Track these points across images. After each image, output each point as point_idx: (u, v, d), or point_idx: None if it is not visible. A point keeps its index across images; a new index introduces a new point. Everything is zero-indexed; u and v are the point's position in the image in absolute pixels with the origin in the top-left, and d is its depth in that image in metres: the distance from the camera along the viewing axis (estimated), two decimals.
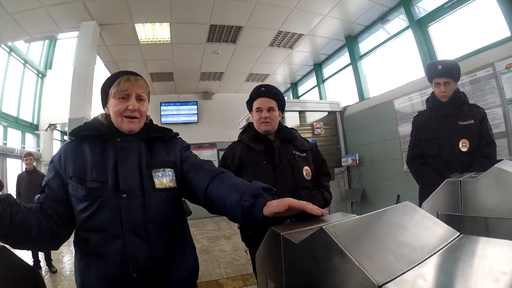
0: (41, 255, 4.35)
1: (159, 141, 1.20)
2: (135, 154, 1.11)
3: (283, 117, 5.11)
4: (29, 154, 4.59)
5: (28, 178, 4.48)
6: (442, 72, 2.09)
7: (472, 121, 2.06)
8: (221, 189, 1.02)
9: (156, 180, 1.09)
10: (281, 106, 1.92)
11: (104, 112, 1.20)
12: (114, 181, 1.04)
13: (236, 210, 0.93)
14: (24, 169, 4.63)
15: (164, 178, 1.11)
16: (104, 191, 1.03)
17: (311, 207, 0.76)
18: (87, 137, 1.12)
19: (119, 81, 1.12)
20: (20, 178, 4.56)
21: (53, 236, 0.99)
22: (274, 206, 0.80)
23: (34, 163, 4.68)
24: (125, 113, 1.11)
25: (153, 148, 1.16)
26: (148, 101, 1.22)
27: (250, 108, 1.95)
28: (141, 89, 1.15)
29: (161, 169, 1.12)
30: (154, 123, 1.29)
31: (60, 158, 1.09)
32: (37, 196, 1.07)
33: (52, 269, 4.18)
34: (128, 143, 1.12)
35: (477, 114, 2.09)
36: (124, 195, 1.03)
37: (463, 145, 2.04)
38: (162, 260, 1.07)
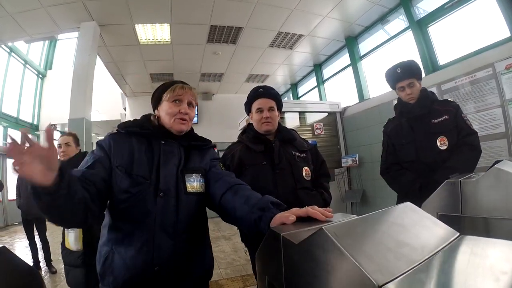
0: (40, 256, 4.34)
1: (196, 149, 1.30)
2: (176, 157, 1.21)
3: (283, 118, 5.14)
4: None
5: None
6: (403, 74, 1.99)
7: (446, 117, 1.92)
8: (234, 200, 1.09)
9: (188, 184, 1.18)
10: (280, 107, 1.93)
11: (155, 114, 1.31)
12: (155, 179, 1.13)
13: (244, 221, 1.00)
14: None
15: (195, 183, 1.20)
16: (146, 187, 1.11)
17: (313, 211, 0.76)
18: (135, 133, 1.21)
19: (174, 88, 1.25)
20: (20, 179, 4.53)
21: (85, 211, 0.98)
22: (281, 217, 0.82)
23: None
24: (178, 116, 1.23)
25: (189, 154, 1.26)
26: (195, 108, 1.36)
27: (248, 110, 1.96)
28: (192, 97, 1.28)
29: (193, 174, 1.21)
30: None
31: (109, 144, 1.16)
32: (79, 169, 1.08)
33: (51, 270, 4.16)
34: (171, 147, 1.22)
35: (450, 108, 1.95)
36: (161, 193, 1.11)
37: (442, 143, 1.90)
38: (184, 258, 1.14)
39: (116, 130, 1.24)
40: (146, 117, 1.30)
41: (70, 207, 0.89)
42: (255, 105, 1.89)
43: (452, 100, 2.07)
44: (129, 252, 1.05)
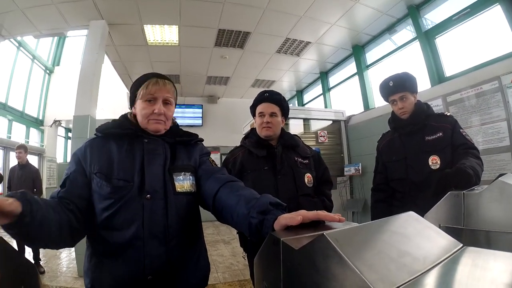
0: (30, 256, 4.18)
1: (182, 145, 1.22)
2: (162, 156, 1.13)
3: (287, 124, 5.13)
4: (20, 146, 4.39)
5: (20, 172, 4.33)
6: (395, 87, 1.90)
7: (441, 134, 1.81)
8: (229, 199, 1.00)
9: (177, 184, 1.10)
10: (285, 113, 1.92)
11: (131, 112, 1.23)
12: (139, 181, 1.05)
13: (243, 224, 0.90)
14: (17, 162, 4.45)
15: (185, 182, 1.12)
16: (129, 190, 1.03)
17: (326, 214, 0.71)
18: (114, 134, 1.14)
19: (148, 84, 1.15)
20: (12, 171, 4.42)
21: (72, 233, 0.96)
22: (287, 219, 0.73)
23: (27, 157, 4.49)
24: (151, 117, 1.14)
25: (175, 151, 1.18)
26: (175, 104, 1.26)
27: (253, 113, 1.96)
28: (168, 93, 1.18)
29: (182, 173, 1.13)
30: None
31: (85, 152, 1.10)
32: (56, 190, 1.04)
33: (40, 270, 4.00)
34: (155, 145, 1.14)
35: (445, 124, 1.83)
36: (148, 195, 1.04)
37: (434, 162, 1.79)
38: (178, 264, 1.07)
39: (95, 134, 1.18)
40: (125, 116, 1.22)
41: (45, 235, 0.86)
42: (258, 109, 1.89)
43: (449, 114, 1.97)
44: (118, 263, 0.99)
